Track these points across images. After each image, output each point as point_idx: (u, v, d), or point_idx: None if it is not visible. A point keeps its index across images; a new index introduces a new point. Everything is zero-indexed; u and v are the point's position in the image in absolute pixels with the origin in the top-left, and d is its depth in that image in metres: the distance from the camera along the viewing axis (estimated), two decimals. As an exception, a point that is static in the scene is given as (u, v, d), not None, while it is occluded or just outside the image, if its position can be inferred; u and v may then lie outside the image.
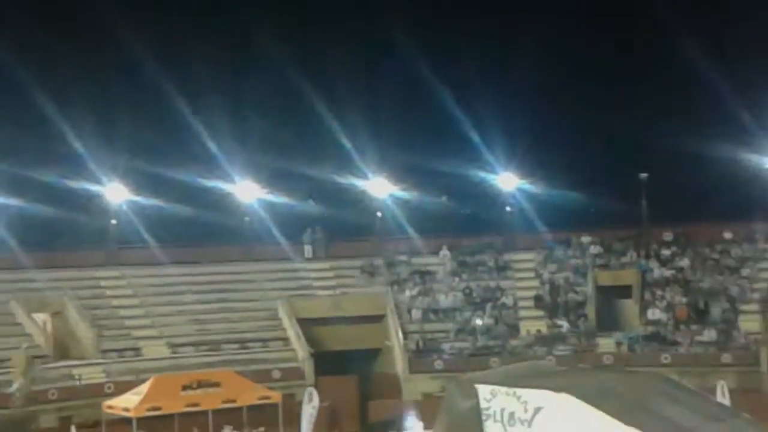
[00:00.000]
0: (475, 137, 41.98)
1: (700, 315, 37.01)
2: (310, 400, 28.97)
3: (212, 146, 40.83)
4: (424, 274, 41.65)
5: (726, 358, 34.54)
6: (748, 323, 35.86)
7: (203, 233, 40.99)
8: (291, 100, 43.18)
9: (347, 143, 41.49)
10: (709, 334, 35.76)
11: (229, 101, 43.29)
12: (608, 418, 17.99)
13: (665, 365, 34.15)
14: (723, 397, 24.31)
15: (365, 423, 33.52)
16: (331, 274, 41.85)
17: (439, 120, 43.30)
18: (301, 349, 36.82)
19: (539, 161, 41.24)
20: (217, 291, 39.84)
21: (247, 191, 41.61)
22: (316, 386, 34.13)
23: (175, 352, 36.59)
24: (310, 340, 37.28)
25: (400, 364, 37.25)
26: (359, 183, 42.17)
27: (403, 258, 42.26)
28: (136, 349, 36.41)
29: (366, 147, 41.77)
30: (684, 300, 37.79)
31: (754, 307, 36.55)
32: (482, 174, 42.38)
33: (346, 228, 42.81)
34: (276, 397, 32.61)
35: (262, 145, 41.05)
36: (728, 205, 39.37)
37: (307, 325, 38.05)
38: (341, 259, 42.41)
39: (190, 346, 37.03)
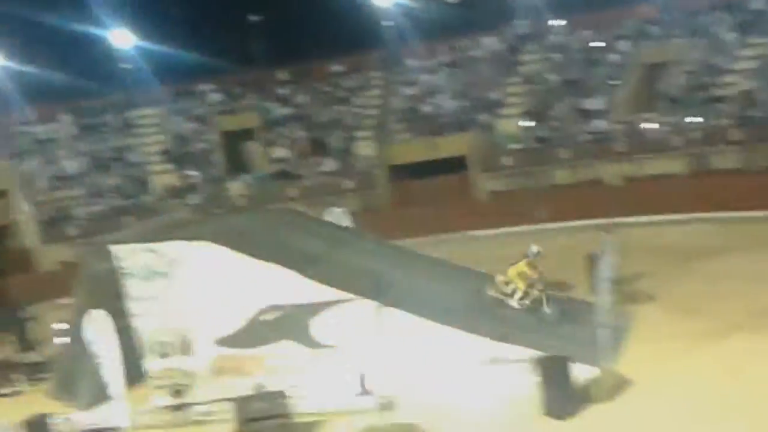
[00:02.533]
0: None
1: (320, 147, 38.92)
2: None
3: None
4: (47, 142, 40.44)
5: (347, 184, 36.72)
6: (364, 149, 38.14)
7: None
8: None
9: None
10: (330, 164, 37.81)
11: None
12: (247, 258, 19.14)
13: (293, 199, 35.86)
14: (340, 220, 26.06)
15: (2, 301, 32.74)
16: (-56, 154, 39.55)
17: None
18: None
19: (152, 15, 40.58)
20: None
21: None
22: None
23: None
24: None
25: (33, 236, 36.43)
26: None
27: (23, 128, 40.69)
28: None
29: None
30: (304, 135, 39.52)
31: (367, 133, 38.83)
32: (95, 33, 41.14)
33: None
34: None
35: None
36: (337, 40, 41.02)
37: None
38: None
39: None
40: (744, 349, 17.06)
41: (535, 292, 19.58)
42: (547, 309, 19.42)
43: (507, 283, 19.73)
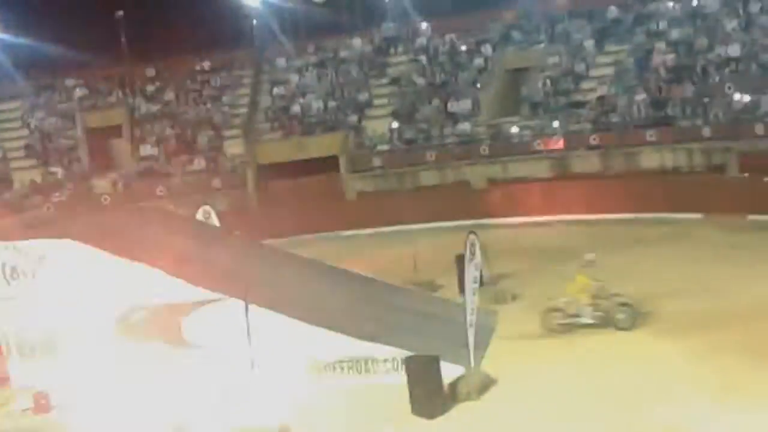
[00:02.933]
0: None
1: (188, 145, 38.56)
2: None
3: None
4: None
5: (216, 183, 36.48)
6: (233, 148, 37.94)
7: None
8: None
9: None
10: (199, 163, 37.47)
11: None
12: (113, 257, 18.95)
13: (161, 197, 35.44)
14: (209, 219, 25.91)
15: None
16: None
17: None
18: None
19: (13, 6, 39.47)
20: None
21: None
22: None
23: None
24: None
25: None
26: None
27: None
28: None
29: None
30: (172, 133, 39.07)
31: (236, 132, 38.66)
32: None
33: None
34: None
35: None
36: (205, 37, 40.70)
37: None
38: None
39: None
40: (599, 348, 17.77)
41: (603, 302, 19.19)
42: (620, 315, 18.94)
43: (570, 304, 19.28)
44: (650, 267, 23.27)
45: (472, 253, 18.46)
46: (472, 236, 18.53)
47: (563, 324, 19.23)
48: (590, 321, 19.10)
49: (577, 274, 19.67)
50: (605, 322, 19.03)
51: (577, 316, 19.22)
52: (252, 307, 17.19)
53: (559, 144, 33.46)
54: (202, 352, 18.30)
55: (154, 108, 40.41)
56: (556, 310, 19.38)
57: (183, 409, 17.03)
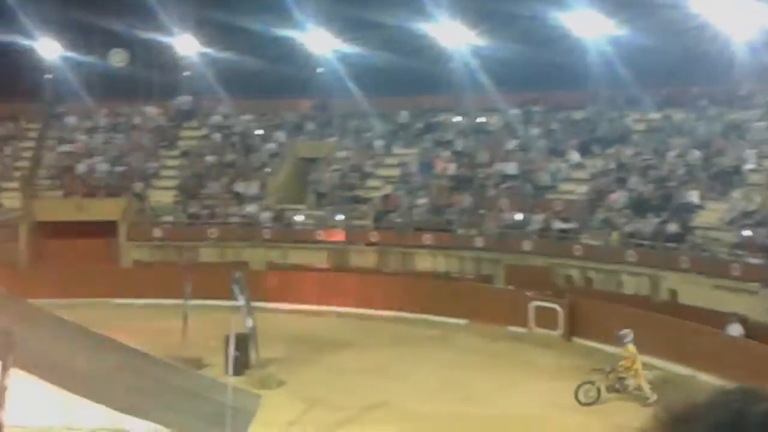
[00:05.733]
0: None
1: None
2: None
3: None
4: None
5: (-14, 235, 35.12)
6: (9, 201, 36.67)
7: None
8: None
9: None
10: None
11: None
12: None
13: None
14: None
15: None
16: None
17: None
18: None
19: None
20: None
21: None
22: None
23: None
24: None
25: None
26: None
27: None
28: None
29: None
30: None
31: (15, 184, 37.44)
32: None
33: None
34: None
35: None
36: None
37: None
38: None
39: None
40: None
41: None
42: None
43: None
44: (409, 367, 24.02)
45: (240, 334, 18.63)
46: (241, 317, 18.67)
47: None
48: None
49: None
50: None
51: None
52: (6, 368, 16.66)
53: (340, 236, 34.24)
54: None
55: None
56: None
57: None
